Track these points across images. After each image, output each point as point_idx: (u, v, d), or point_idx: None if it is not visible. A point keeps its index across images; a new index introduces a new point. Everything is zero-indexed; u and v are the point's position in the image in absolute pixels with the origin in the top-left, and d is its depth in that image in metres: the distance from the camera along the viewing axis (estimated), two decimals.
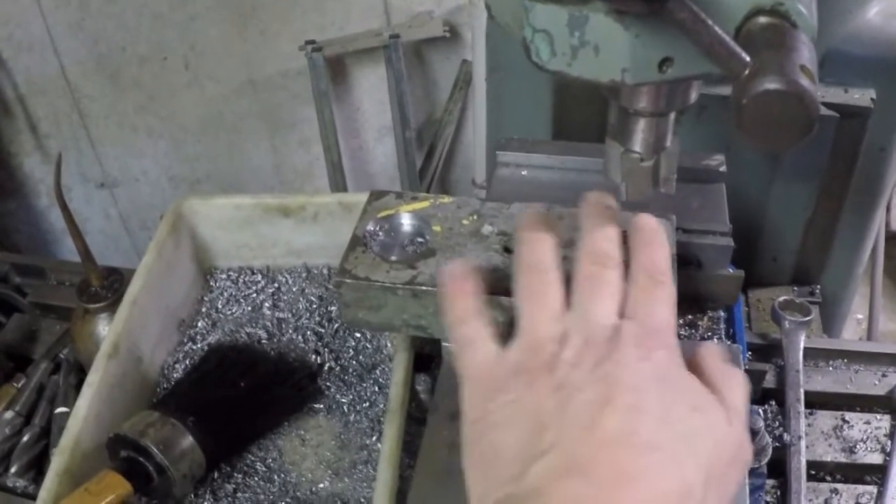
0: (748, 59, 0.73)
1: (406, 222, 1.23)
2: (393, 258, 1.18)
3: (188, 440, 1.24)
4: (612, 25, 0.80)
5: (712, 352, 0.88)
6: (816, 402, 1.46)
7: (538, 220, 0.95)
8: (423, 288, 1.13)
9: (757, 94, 0.71)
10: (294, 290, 1.55)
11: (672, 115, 1.01)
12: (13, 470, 1.48)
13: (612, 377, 0.79)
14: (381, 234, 1.22)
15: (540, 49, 0.84)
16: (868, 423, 1.44)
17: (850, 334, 3.11)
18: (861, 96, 1.57)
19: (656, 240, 0.92)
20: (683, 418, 0.79)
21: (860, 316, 3.08)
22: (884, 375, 1.49)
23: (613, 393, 0.78)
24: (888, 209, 2.93)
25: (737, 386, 0.85)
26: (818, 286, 1.84)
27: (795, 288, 1.83)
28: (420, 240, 1.21)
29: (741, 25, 0.79)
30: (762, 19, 0.79)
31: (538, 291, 0.89)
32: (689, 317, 1.26)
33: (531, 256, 0.92)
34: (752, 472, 1.29)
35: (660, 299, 0.87)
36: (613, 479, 0.73)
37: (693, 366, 0.86)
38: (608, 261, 0.89)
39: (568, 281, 0.90)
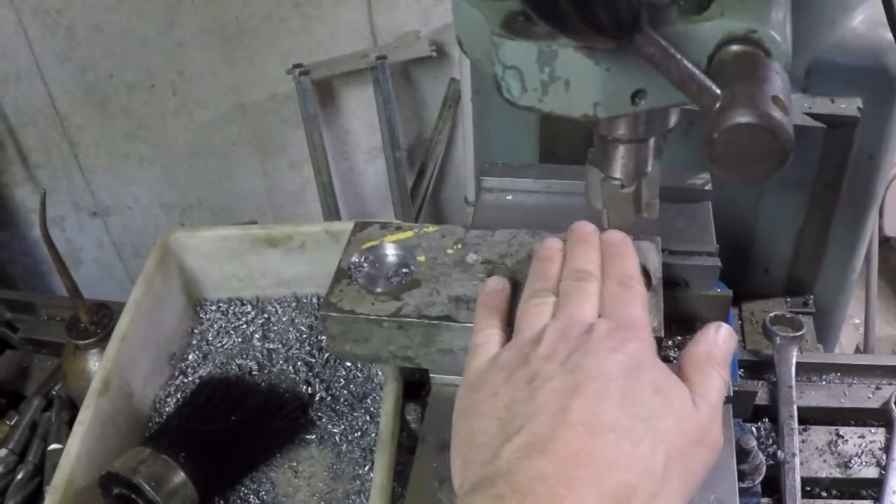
0: (718, 91, 0.73)
1: (390, 253, 1.23)
2: (378, 290, 1.17)
3: (180, 476, 1.24)
4: (583, 60, 0.79)
5: (695, 343, 0.94)
6: (810, 417, 1.46)
7: (548, 252, 1.07)
8: (409, 320, 1.13)
9: (728, 127, 0.71)
10: (284, 320, 1.55)
11: (652, 141, 1.00)
12: None
13: (582, 367, 0.86)
14: (365, 265, 1.21)
15: (511, 85, 0.84)
16: (863, 437, 1.43)
17: (848, 339, 3.10)
18: (848, 105, 1.56)
19: (623, 251, 1.03)
20: (645, 400, 0.84)
21: (857, 321, 3.08)
22: (877, 388, 1.48)
23: (581, 381, 0.85)
24: (880, 214, 2.93)
25: (711, 374, 0.90)
26: (812, 296, 1.83)
27: (789, 299, 1.83)
28: (405, 270, 1.21)
29: (713, 53, 0.79)
30: (735, 47, 0.78)
31: (532, 311, 0.99)
32: (679, 338, 1.25)
33: (534, 286, 1.03)
34: (746, 491, 1.28)
35: (629, 300, 0.97)
36: (572, 457, 0.79)
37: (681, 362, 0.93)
38: (586, 276, 1.00)
39: None
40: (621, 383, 0.84)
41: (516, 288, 1.08)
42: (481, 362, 0.96)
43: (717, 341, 0.94)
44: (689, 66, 0.74)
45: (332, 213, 3.31)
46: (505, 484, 0.78)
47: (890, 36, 1.33)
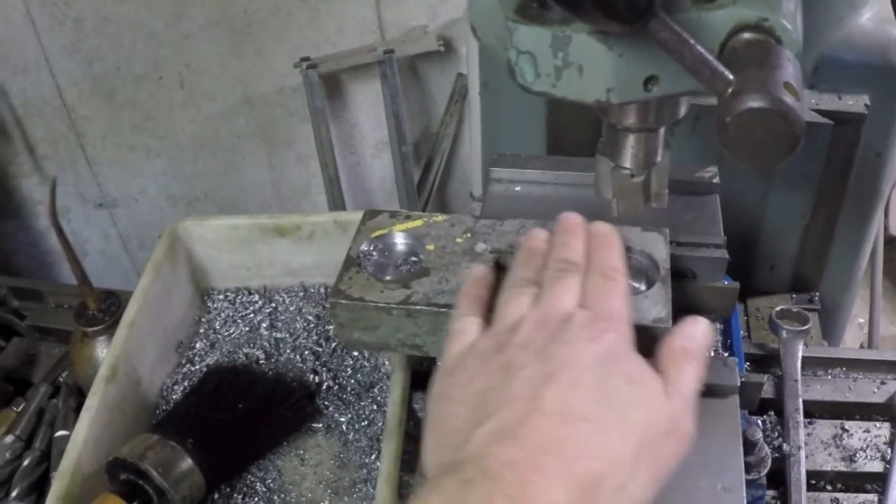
0: (731, 76, 0.73)
1: (400, 242, 1.23)
2: (387, 278, 1.18)
3: (187, 462, 1.25)
4: (596, 45, 0.80)
5: (672, 336, 0.95)
6: (815, 411, 1.46)
7: (533, 242, 1.07)
8: (418, 307, 1.13)
9: (740, 112, 0.71)
10: (291, 309, 1.55)
11: (662, 131, 1.01)
12: (14, 494, 1.48)
13: (557, 356, 0.87)
14: (374, 253, 1.22)
15: (524, 70, 0.84)
16: (868, 431, 1.44)
17: (853, 338, 3.10)
18: (855, 102, 1.56)
19: (609, 242, 1.03)
20: (618, 390, 0.85)
21: (862, 320, 3.08)
22: (882, 383, 1.49)
23: (554, 370, 0.86)
24: (886, 213, 2.93)
25: (685, 368, 0.91)
26: (817, 293, 1.83)
27: (794, 295, 1.83)
28: (414, 259, 1.21)
29: (725, 41, 0.80)
30: (746, 35, 0.79)
31: (512, 299, 1.00)
32: None
33: (516, 275, 1.03)
34: (752, 484, 1.28)
35: (610, 292, 0.97)
36: (542, 444, 0.80)
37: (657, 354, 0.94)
38: (568, 266, 1.00)
39: None
40: (595, 373, 0.86)
41: (502, 277, 1.08)
42: (459, 348, 0.97)
43: (694, 335, 0.95)
44: (703, 51, 0.74)
45: (338, 207, 3.30)
46: (474, 469, 0.79)
47: None
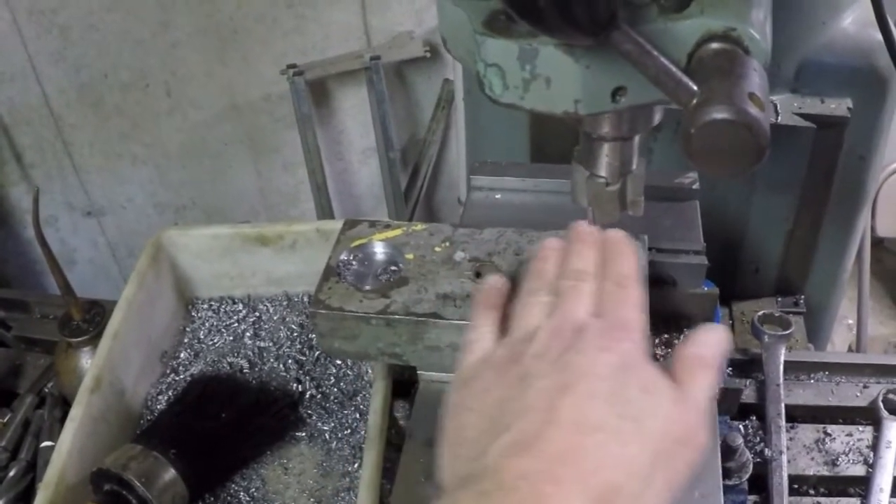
0: (695, 87, 0.74)
1: (379, 251, 1.24)
2: (366, 287, 1.18)
3: (170, 472, 1.25)
4: (563, 58, 0.80)
5: (686, 344, 0.94)
6: (798, 415, 1.46)
7: (546, 252, 1.06)
8: (396, 317, 1.14)
9: (704, 123, 0.71)
10: (275, 318, 1.55)
11: (636, 139, 1.01)
12: None
13: (572, 365, 0.87)
14: (354, 263, 1.22)
15: (492, 83, 0.84)
16: (850, 435, 1.44)
17: (841, 340, 3.11)
18: (838, 106, 1.57)
19: (622, 250, 1.02)
20: (633, 400, 0.85)
21: (850, 321, 3.08)
22: (865, 387, 1.49)
23: (570, 380, 0.85)
24: (873, 215, 2.93)
25: (699, 375, 0.90)
26: (802, 296, 1.84)
27: (779, 299, 1.84)
28: (393, 268, 1.22)
29: (693, 51, 0.80)
30: (714, 45, 0.79)
31: (527, 309, 0.99)
32: (666, 336, 1.26)
33: (530, 285, 1.02)
34: (733, 489, 1.29)
35: (624, 301, 0.96)
36: (558, 455, 0.79)
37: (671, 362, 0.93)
38: (582, 275, 0.99)
39: None
40: (611, 383, 0.85)
41: (514, 286, 1.08)
42: (475, 358, 0.97)
43: (709, 343, 0.94)
44: (666, 62, 0.75)
45: (326, 213, 3.31)
46: (490, 481, 0.79)
47: (879, 36, 1.34)
